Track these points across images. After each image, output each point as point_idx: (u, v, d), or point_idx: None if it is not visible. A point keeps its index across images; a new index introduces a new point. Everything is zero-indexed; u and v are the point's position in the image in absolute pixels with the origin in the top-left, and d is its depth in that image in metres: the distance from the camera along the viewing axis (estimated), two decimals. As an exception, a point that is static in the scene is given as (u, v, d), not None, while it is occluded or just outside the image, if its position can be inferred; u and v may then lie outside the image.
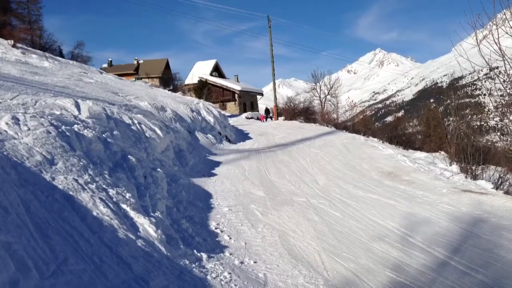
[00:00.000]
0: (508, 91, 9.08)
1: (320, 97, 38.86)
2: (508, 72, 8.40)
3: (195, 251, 4.88)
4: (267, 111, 37.61)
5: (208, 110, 19.80)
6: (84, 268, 3.10)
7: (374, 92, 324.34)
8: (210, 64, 53.51)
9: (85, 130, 6.27)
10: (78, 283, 2.89)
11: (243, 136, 20.87)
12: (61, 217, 3.68)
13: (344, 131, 25.25)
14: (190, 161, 11.23)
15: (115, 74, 28.74)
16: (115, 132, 7.57)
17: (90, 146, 5.97)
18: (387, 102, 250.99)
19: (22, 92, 7.99)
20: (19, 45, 19.73)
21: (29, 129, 5.02)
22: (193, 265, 4.39)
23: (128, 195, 5.08)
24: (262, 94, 57.55)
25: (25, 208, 3.37)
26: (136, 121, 9.60)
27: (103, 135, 6.90)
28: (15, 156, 4.21)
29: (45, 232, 3.23)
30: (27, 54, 18.10)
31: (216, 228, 6.27)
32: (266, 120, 35.18)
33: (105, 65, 53.18)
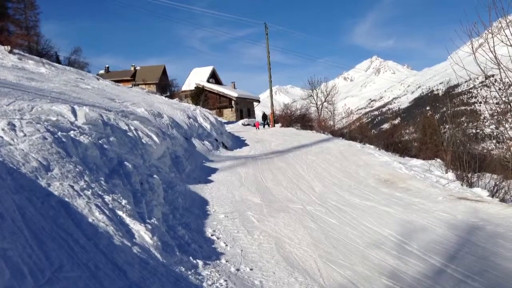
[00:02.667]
0: (503, 99, 9.16)
1: (316, 104, 39.12)
2: (503, 80, 8.47)
3: (191, 258, 4.87)
4: (264, 116, 36.46)
5: (204, 116, 19.83)
6: (79, 275, 3.08)
7: (370, 99, 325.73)
8: (207, 70, 53.67)
9: (81, 136, 6.25)
10: (73, 290, 2.87)
11: (239, 142, 20.90)
12: (57, 223, 3.66)
13: (341, 138, 25.33)
14: (187, 168, 11.22)
15: (112, 80, 28.80)
16: (111, 139, 7.55)
17: (86, 152, 5.95)
18: (384, 110, 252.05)
19: (18, 98, 7.97)
20: (16, 51, 19.75)
21: (25, 135, 5.00)
22: (189, 272, 4.37)
23: (124, 201, 5.06)
24: (259, 101, 57.73)
25: (21, 214, 3.36)
26: (132, 128, 9.59)
27: (100, 141, 6.88)
28: (11, 162, 4.19)
29: (41, 239, 3.21)
30: (23, 60, 18.11)
31: (212, 235, 6.25)
32: (264, 126, 34.16)
33: (102, 71, 53.25)
